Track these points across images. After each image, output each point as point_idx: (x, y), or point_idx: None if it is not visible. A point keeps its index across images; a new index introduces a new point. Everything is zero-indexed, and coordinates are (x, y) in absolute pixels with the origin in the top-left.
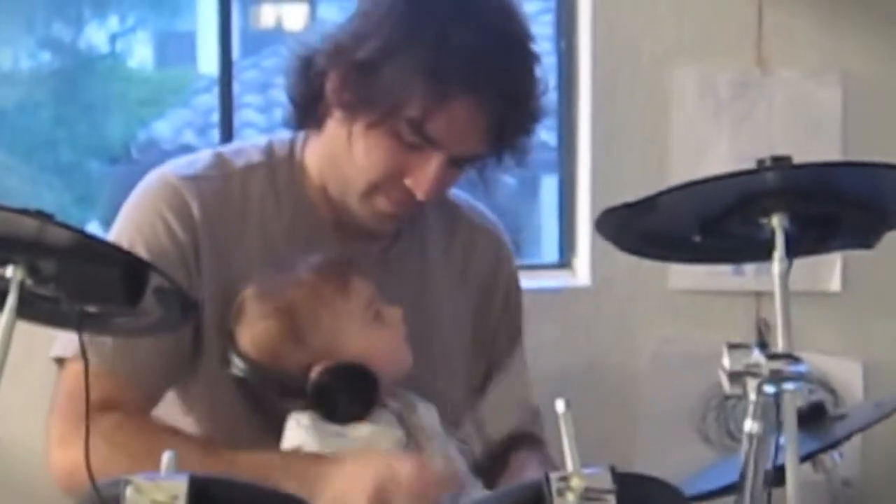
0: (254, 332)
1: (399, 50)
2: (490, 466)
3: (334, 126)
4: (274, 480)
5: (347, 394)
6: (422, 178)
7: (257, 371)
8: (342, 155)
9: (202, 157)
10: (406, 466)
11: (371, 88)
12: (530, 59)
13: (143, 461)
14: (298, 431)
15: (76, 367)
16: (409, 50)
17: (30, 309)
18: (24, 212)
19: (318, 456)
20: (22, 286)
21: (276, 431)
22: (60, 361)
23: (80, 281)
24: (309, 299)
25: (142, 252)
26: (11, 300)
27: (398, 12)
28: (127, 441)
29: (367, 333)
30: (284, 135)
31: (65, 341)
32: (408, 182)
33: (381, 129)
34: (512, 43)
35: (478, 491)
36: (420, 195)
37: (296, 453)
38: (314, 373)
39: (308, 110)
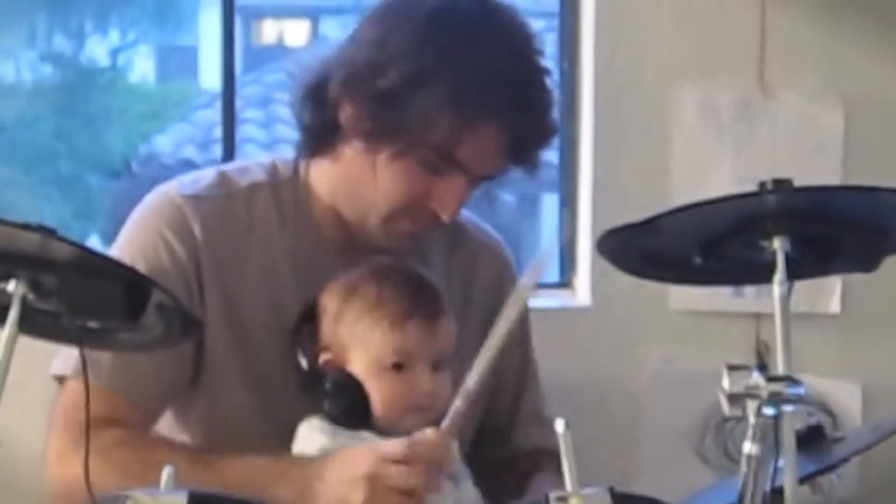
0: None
1: (423, 79)
2: (507, 479)
3: (352, 153)
4: (268, 485)
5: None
6: (447, 201)
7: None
8: (364, 182)
9: (206, 176)
10: (392, 448)
11: (395, 118)
12: (545, 72)
13: (138, 477)
14: (312, 435)
15: (75, 385)
16: (433, 78)
17: (31, 324)
18: (27, 226)
19: (311, 460)
20: (23, 301)
21: (285, 445)
22: (60, 379)
23: (81, 296)
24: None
25: (143, 270)
26: (13, 315)
27: (417, 41)
28: (122, 457)
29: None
30: (288, 154)
31: (64, 359)
32: (432, 205)
33: (406, 158)
34: (529, 62)
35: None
36: (445, 217)
37: (288, 458)
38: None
39: (321, 138)
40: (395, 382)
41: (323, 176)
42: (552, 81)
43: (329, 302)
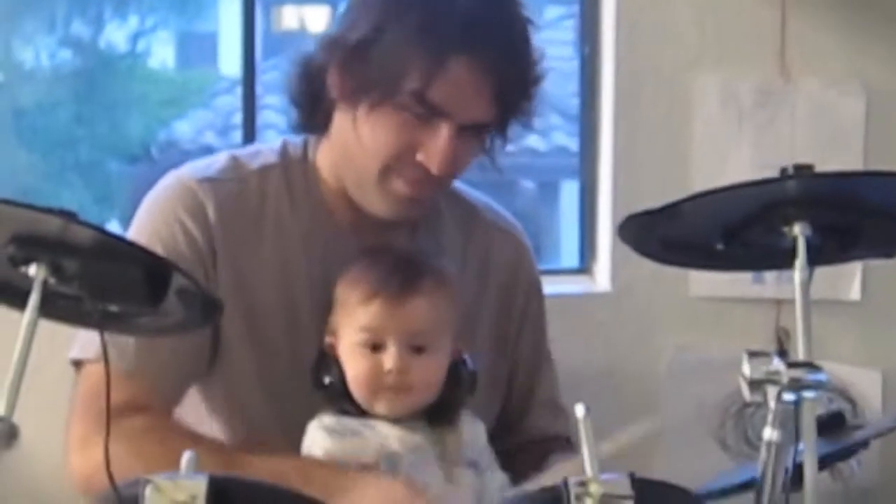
0: None
1: (389, 23)
2: (521, 469)
3: (340, 120)
4: (292, 485)
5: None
6: (433, 150)
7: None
8: (351, 144)
9: (218, 160)
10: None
11: (369, 69)
12: (522, 18)
13: (162, 466)
14: (318, 433)
15: (95, 369)
16: (400, 21)
17: (52, 308)
18: (48, 210)
19: (338, 468)
20: (45, 285)
21: (297, 430)
22: (78, 364)
23: (102, 280)
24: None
25: (160, 254)
26: (34, 299)
27: None
28: (146, 446)
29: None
30: (298, 136)
31: (83, 343)
32: (420, 157)
33: (384, 108)
34: (504, 2)
35: None
36: (434, 169)
37: (316, 461)
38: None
39: (312, 111)
40: (365, 360)
41: (326, 156)
42: (531, 28)
43: (337, 287)
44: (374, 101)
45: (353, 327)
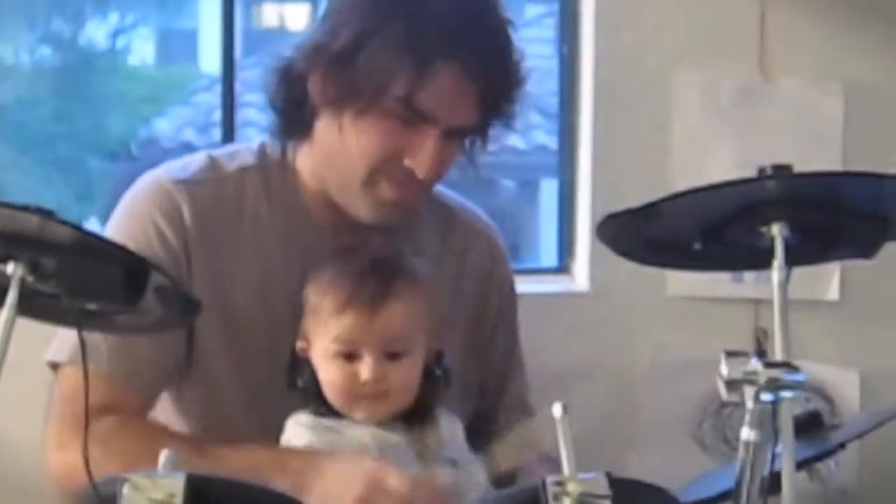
0: None
1: (374, 31)
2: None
3: (323, 127)
4: (267, 476)
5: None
6: (420, 155)
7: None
8: (337, 151)
9: (195, 160)
10: (397, 479)
11: (353, 76)
12: (504, 21)
13: (137, 465)
14: (297, 429)
15: (72, 372)
16: (385, 29)
17: (30, 306)
18: (26, 208)
19: (310, 451)
20: (22, 283)
21: (272, 431)
22: (55, 366)
23: (80, 278)
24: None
25: None
26: (12, 297)
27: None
28: (122, 445)
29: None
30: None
31: (60, 345)
32: (407, 162)
33: (371, 115)
34: (485, 6)
35: None
36: (420, 174)
37: (288, 449)
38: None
39: (293, 118)
40: (339, 370)
41: (306, 160)
42: (513, 32)
43: (307, 290)
44: (361, 108)
45: (327, 337)
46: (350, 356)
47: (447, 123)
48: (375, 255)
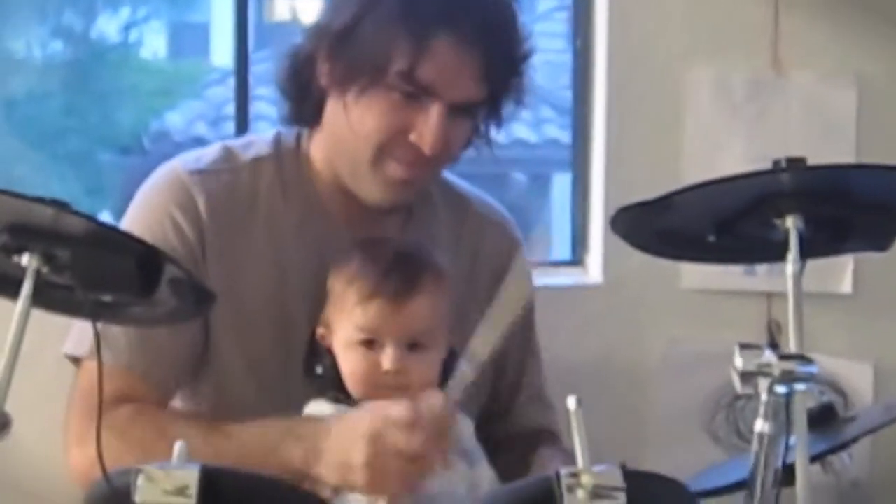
0: None
1: (372, 7)
2: (508, 463)
3: (331, 109)
4: (279, 444)
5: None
6: (425, 130)
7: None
8: (344, 131)
9: (211, 151)
10: (397, 411)
11: (355, 53)
12: None
13: (155, 453)
14: (319, 408)
15: (92, 366)
16: (382, 3)
17: (44, 297)
18: (40, 200)
19: (319, 418)
20: (37, 274)
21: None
22: (76, 360)
23: (95, 270)
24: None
25: None
26: (27, 288)
27: None
28: (138, 433)
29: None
30: (290, 128)
31: (78, 339)
32: (412, 138)
33: (374, 92)
34: None
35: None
36: (427, 149)
37: (299, 418)
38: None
39: (303, 102)
40: (362, 359)
41: (319, 147)
42: (514, 4)
43: (331, 278)
44: (363, 86)
45: (351, 326)
46: (372, 345)
47: (450, 97)
48: (400, 246)
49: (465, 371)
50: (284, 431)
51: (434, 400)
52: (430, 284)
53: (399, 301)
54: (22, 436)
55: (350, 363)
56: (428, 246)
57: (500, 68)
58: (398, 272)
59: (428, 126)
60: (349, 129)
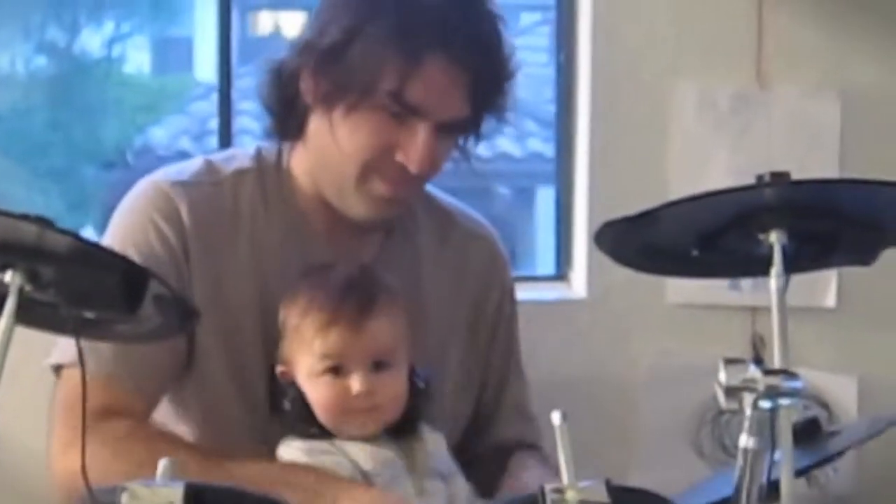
0: None
1: (362, 25)
2: (487, 472)
3: (315, 125)
4: (275, 491)
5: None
6: (412, 150)
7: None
8: (329, 149)
9: (192, 164)
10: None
11: (343, 71)
12: (492, 14)
13: (145, 470)
14: (292, 455)
15: (74, 374)
16: (373, 23)
17: (28, 314)
18: (24, 217)
19: (318, 471)
20: (21, 292)
21: (271, 435)
22: (58, 369)
23: (79, 287)
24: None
25: (135, 258)
26: (10, 305)
27: None
28: (130, 450)
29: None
30: (272, 142)
31: (62, 349)
32: (399, 157)
33: (361, 110)
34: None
35: None
36: (413, 168)
37: (296, 466)
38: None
39: (286, 117)
40: (329, 387)
41: (301, 162)
42: (501, 24)
43: (282, 314)
44: (351, 104)
45: (313, 356)
46: (338, 371)
47: (438, 117)
48: (348, 271)
49: None
50: (281, 478)
51: None
52: (386, 303)
53: (359, 323)
54: (7, 450)
55: (318, 393)
56: (373, 268)
57: (488, 88)
58: (353, 295)
59: (415, 146)
60: (334, 146)
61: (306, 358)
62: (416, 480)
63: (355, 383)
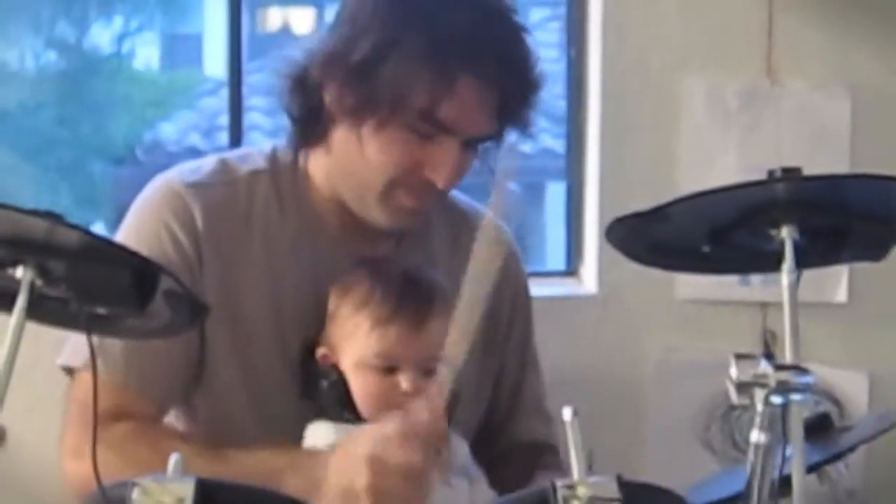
0: None
1: (394, 44)
2: (504, 472)
3: (341, 135)
4: (279, 477)
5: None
6: (441, 167)
7: None
8: (355, 160)
9: (207, 163)
10: (390, 427)
11: (373, 88)
12: (520, 28)
13: (149, 470)
14: (320, 432)
15: (86, 377)
16: (404, 41)
17: (39, 310)
18: (35, 212)
19: (319, 451)
20: (31, 287)
21: (281, 438)
22: (70, 371)
23: (89, 282)
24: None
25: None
26: (21, 301)
27: (385, 8)
28: (136, 451)
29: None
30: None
31: (73, 349)
32: (427, 173)
33: (391, 126)
34: (502, 15)
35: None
36: (441, 184)
37: (299, 450)
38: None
39: (310, 125)
40: (378, 382)
41: (319, 166)
42: (529, 38)
43: (330, 299)
44: (380, 121)
45: (366, 350)
46: (389, 369)
47: (466, 133)
48: (407, 268)
49: (443, 375)
50: (286, 463)
51: (422, 411)
52: (442, 308)
53: (417, 326)
54: (18, 446)
55: (365, 384)
56: (427, 267)
57: (516, 103)
58: (413, 297)
59: (445, 163)
60: (361, 159)
61: (358, 348)
62: (442, 479)
63: (405, 382)
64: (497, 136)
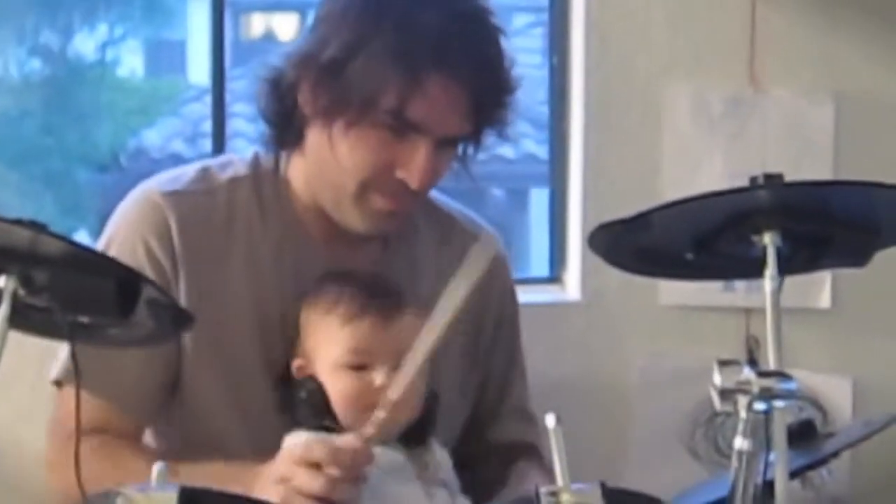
0: None
1: (363, 42)
2: (486, 475)
3: (314, 137)
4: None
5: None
6: (413, 167)
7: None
8: (327, 162)
9: (188, 172)
10: (311, 452)
11: (343, 87)
12: (494, 29)
13: (103, 485)
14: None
15: (66, 392)
16: (374, 40)
17: (22, 319)
18: (18, 222)
19: (263, 465)
20: (14, 296)
21: (267, 446)
22: (58, 384)
23: (72, 291)
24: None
25: None
26: (4, 310)
27: (356, 8)
28: (97, 467)
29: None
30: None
31: (60, 364)
32: (399, 174)
33: (361, 126)
34: (474, 15)
35: None
36: (414, 185)
37: (242, 463)
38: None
39: (285, 128)
40: (352, 382)
41: (298, 171)
42: (504, 39)
43: (301, 314)
44: (350, 120)
45: (339, 349)
46: (362, 367)
47: (438, 133)
48: (372, 274)
49: (380, 414)
50: (228, 476)
51: (350, 441)
52: (412, 305)
53: (387, 320)
54: (2, 456)
55: (340, 385)
56: (393, 273)
57: (489, 104)
58: (382, 292)
59: (416, 163)
60: (333, 160)
61: (331, 350)
62: (425, 486)
63: (379, 377)
64: (473, 138)
